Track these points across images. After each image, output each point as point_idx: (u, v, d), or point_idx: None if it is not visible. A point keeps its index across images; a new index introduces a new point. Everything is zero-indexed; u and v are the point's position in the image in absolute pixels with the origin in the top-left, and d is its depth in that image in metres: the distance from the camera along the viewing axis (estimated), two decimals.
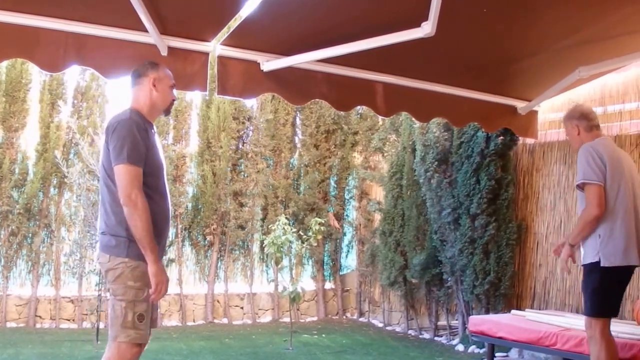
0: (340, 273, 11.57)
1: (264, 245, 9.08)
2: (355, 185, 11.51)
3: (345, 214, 11.62)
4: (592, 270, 4.73)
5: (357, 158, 11.56)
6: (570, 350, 5.84)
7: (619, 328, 5.71)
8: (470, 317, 7.38)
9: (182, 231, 10.48)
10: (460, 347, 8.30)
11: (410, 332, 9.72)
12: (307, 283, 11.08)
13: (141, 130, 3.72)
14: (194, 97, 10.85)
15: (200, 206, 10.52)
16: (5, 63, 9.46)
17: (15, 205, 9.45)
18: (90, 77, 10.13)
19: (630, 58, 5.66)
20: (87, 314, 9.66)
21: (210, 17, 4.49)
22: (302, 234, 9.04)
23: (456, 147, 8.28)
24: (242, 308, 10.80)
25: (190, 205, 10.56)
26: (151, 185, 3.73)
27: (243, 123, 10.91)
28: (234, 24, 4.68)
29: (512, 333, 6.46)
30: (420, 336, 9.40)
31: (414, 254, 9.11)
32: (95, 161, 8.76)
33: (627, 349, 5.33)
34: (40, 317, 9.59)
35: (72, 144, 9.91)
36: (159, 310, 3.95)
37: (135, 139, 3.65)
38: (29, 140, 9.89)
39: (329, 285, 11.49)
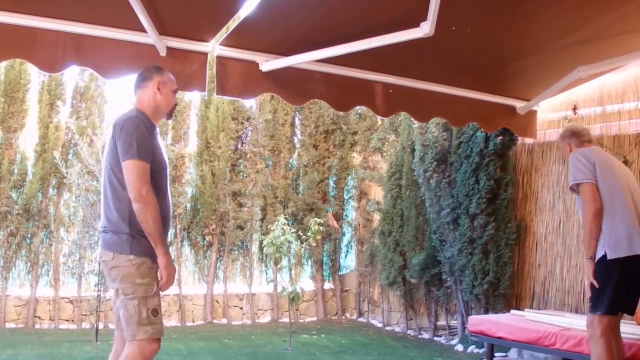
0: (340, 273, 11.57)
1: (263, 246, 9.08)
2: (354, 185, 11.51)
3: (344, 214, 11.62)
4: (600, 265, 4.77)
5: (356, 158, 11.57)
6: (569, 350, 5.85)
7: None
8: (470, 317, 7.39)
9: (181, 231, 10.47)
10: (460, 347, 8.30)
11: (409, 332, 9.72)
12: (306, 283, 11.08)
13: (147, 129, 3.82)
14: (193, 98, 10.86)
15: (199, 206, 10.52)
16: (4, 63, 9.47)
17: (14, 206, 9.44)
18: (89, 77, 10.13)
19: (629, 58, 5.65)
20: (86, 315, 9.66)
21: (209, 18, 4.48)
22: (301, 234, 9.05)
23: (455, 147, 8.28)
24: (241, 308, 10.79)
25: (189, 205, 10.56)
26: (155, 184, 3.76)
27: (242, 123, 10.91)
28: (232, 24, 4.67)
29: (512, 333, 6.47)
30: (420, 336, 9.40)
31: (413, 254, 9.11)
32: (95, 161, 8.77)
33: (627, 349, 5.33)
34: (39, 317, 9.59)
35: (71, 145, 9.91)
36: None
37: (143, 136, 3.74)
38: (27, 141, 9.88)
39: (328, 285, 11.49)
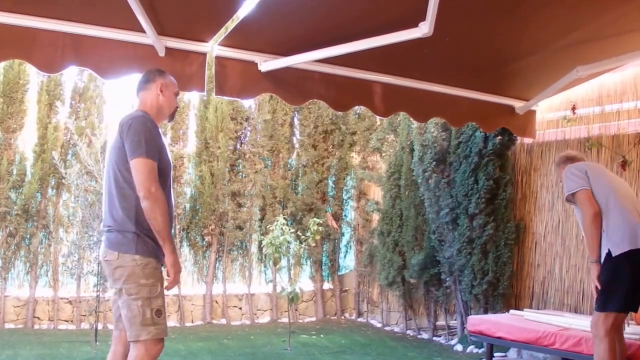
0: (339, 273, 11.57)
1: (262, 246, 9.08)
2: (354, 185, 11.51)
3: (343, 214, 11.61)
4: (605, 263, 4.81)
5: (355, 158, 11.57)
6: (568, 350, 5.85)
7: None
8: (469, 317, 7.39)
9: (180, 232, 10.46)
10: (459, 347, 8.30)
11: (408, 332, 9.72)
12: (305, 283, 11.08)
13: (154, 129, 3.85)
14: (192, 98, 10.86)
15: (198, 207, 10.51)
16: (2, 64, 9.46)
17: (13, 207, 9.44)
18: (88, 77, 10.13)
19: (628, 57, 5.66)
20: (85, 315, 9.66)
21: (207, 18, 4.48)
22: (300, 234, 9.05)
23: (454, 147, 8.28)
24: (240, 308, 10.79)
25: (188, 205, 10.56)
26: (161, 184, 3.78)
27: (241, 123, 10.90)
28: (231, 24, 4.67)
29: (511, 333, 6.47)
30: (419, 336, 9.40)
31: (413, 254, 9.11)
32: (93, 162, 8.77)
33: (626, 348, 5.32)
34: (38, 318, 9.58)
35: (70, 145, 9.91)
36: None
37: (151, 135, 3.77)
38: (26, 141, 9.87)
39: (327, 285, 11.49)
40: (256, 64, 4.98)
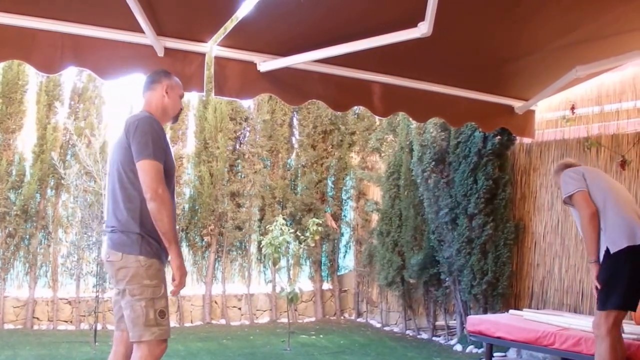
0: (338, 273, 11.57)
1: (261, 246, 9.07)
2: (353, 185, 11.51)
3: (342, 215, 11.62)
4: (604, 261, 4.84)
5: (355, 158, 11.57)
6: (568, 350, 5.85)
7: None
8: (468, 317, 7.38)
9: (179, 232, 10.45)
10: (459, 347, 8.31)
11: (408, 332, 9.72)
12: (304, 284, 11.08)
13: (160, 130, 3.84)
14: (191, 98, 10.86)
15: (197, 207, 10.51)
16: (1, 64, 9.46)
17: (12, 207, 9.43)
18: (87, 78, 10.12)
19: (627, 57, 5.66)
20: (84, 316, 9.65)
21: (206, 18, 4.48)
22: (299, 234, 9.05)
23: (453, 147, 8.28)
24: (239, 309, 10.79)
25: (187, 206, 10.55)
26: (166, 185, 3.77)
27: (240, 124, 10.91)
28: (230, 24, 4.66)
29: (510, 333, 6.47)
30: (418, 336, 9.40)
31: (412, 254, 9.11)
32: (93, 162, 8.76)
33: (626, 348, 5.32)
34: (37, 318, 9.58)
35: (69, 146, 9.91)
36: None
37: (158, 137, 3.77)
38: (26, 142, 9.87)
39: (326, 285, 11.49)
40: (255, 64, 4.97)
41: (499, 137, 8.01)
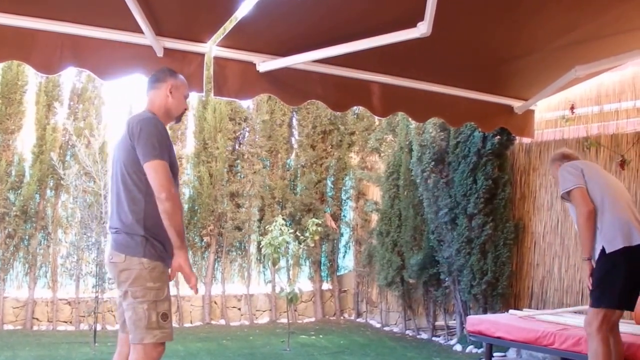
0: (338, 274, 11.58)
1: (261, 246, 9.07)
2: (352, 185, 11.51)
3: (342, 215, 11.62)
4: (600, 259, 4.83)
5: (354, 158, 11.57)
6: (568, 350, 5.84)
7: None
8: (468, 317, 7.38)
9: None
10: (458, 347, 8.30)
11: (407, 332, 9.72)
12: (304, 284, 11.07)
13: (164, 130, 3.80)
14: (190, 98, 10.81)
15: (197, 207, 10.51)
16: (1, 65, 9.46)
17: (11, 208, 9.44)
18: (86, 78, 10.14)
19: (627, 57, 5.65)
20: (84, 316, 9.65)
21: (206, 18, 4.47)
22: (299, 234, 9.05)
23: (453, 147, 8.28)
24: (239, 309, 10.79)
25: (186, 206, 10.55)
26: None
27: (239, 124, 10.91)
28: (229, 25, 4.66)
29: (510, 333, 6.46)
30: (418, 336, 9.40)
31: (411, 254, 9.11)
32: (92, 163, 8.76)
33: (626, 348, 5.32)
34: (37, 319, 9.58)
35: (69, 146, 9.92)
36: None
37: (162, 137, 3.72)
38: (25, 142, 9.88)
39: (326, 286, 11.49)
40: (254, 64, 4.97)
41: (498, 137, 8.01)
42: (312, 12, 4.48)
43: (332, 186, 11.55)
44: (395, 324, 10.23)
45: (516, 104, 6.59)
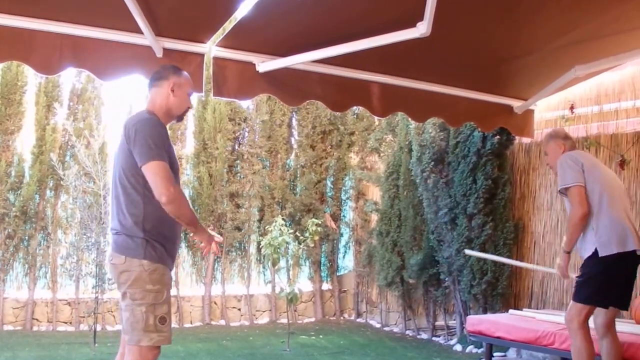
0: (338, 274, 11.57)
1: (261, 247, 9.07)
2: (352, 185, 11.51)
3: (342, 215, 11.62)
4: (592, 261, 4.79)
5: (354, 159, 11.57)
6: (568, 350, 5.79)
7: (618, 327, 5.71)
8: (468, 317, 7.38)
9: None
10: (458, 347, 8.30)
11: (407, 332, 9.72)
12: (304, 284, 11.07)
13: (162, 130, 3.74)
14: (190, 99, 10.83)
15: (196, 208, 10.50)
16: (0, 66, 9.45)
17: (11, 208, 9.43)
18: (86, 79, 10.13)
19: (627, 56, 5.65)
20: (84, 317, 9.64)
21: (205, 19, 4.48)
22: (299, 235, 9.04)
23: (452, 147, 8.28)
24: (239, 309, 10.79)
25: None
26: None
27: (239, 124, 10.91)
28: (229, 25, 4.66)
29: (510, 333, 6.46)
30: (418, 336, 9.39)
31: (411, 254, 9.11)
32: (92, 163, 8.76)
33: (626, 348, 5.32)
34: (37, 319, 9.57)
35: (68, 147, 9.91)
36: None
37: (159, 138, 3.65)
38: (25, 143, 9.87)
39: (326, 286, 11.49)
40: (254, 64, 4.97)
41: (498, 136, 8.00)
42: (311, 12, 4.48)
43: (332, 186, 11.55)
44: (395, 324, 10.23)
45: (516, 103, 6.59)
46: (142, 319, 3.59)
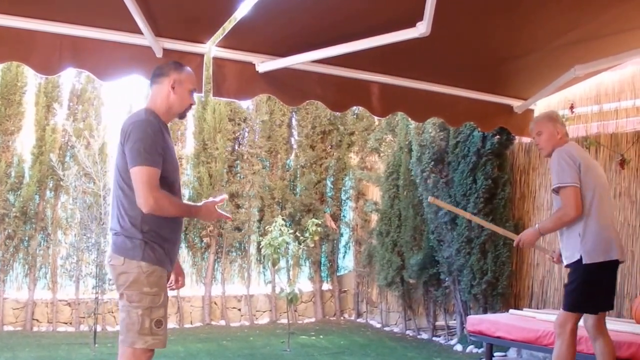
0: (338, 274, 11.57)
1: (261, 247, 9.07)
2: (352, 185, 11.51)
3: (342, 215, 11.61)
4: (576, 268, 4.75)
5: (354, 159, 11.57)
6: None
7: (618, 326, 5.72)
8: (468, 316, 7.38)
9: None
10: (459, 347, 8.30)
11: (408, 332, 9.72)
12: (304, 284, 11.07)
13: (157, 132, 3.63)
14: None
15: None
16: (0, 66, 9.45)
17: (11, 209, 9.43)
18: (86, 79, 10.13)
19: (626, 56, 5.65)
20: (84, 317, 9.64)
21: (205, 19, 4.47)
22: (299, 235, 9.04)
23: (452, 147, 8.28)
24: (239, 310, 10.79)
25: None
26: (168, 188, 3.66)
27: (239, 124, 10.90)
28: (229, 25, 4.66)
29: (510, 332, 6.46)
30: (418, 336, 9.39)
31: (411, 254, 9.11)
32: (92, 164, 8.76)
33: (626, 348, 5.33)
34: (37, 320, 9.57)
35: (68, 147, 9.92)
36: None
37: (151, 141, 3.57)
38: (24, 143, 9.88)
39: (326, 286, 11.49)
40: (254, 64, 4.97)
41: (498, 136, 8.00)
42: (311, 13, 4.48)
43: (332, 186, 11.54)
44: (396, 324, 10.23)
45: (516, 103, 6.58)
46: (137, 321, 3.55)
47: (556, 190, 4.80)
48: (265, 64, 4.96)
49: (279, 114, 11.08)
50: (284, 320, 10.38)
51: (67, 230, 9.92)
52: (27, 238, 9.67)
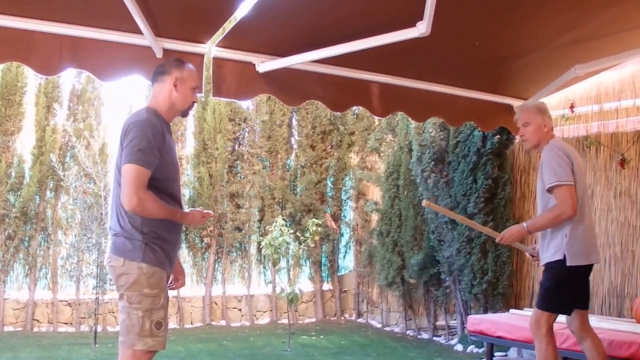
0: (338, 274, 11.57)
1: (261, 247, 9.06)
2: (352, 185, 11.51)
3: (342, 215, 11.61)
4: (556, 267, 4.64)
5: (354, 158, 11.57)
6: (568, 349, 5.82)
7: (619, 326, 5.71)
8: (469, 316, 7.37)
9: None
10: (459, 347, 8.30)
11: (408, 332, 9.72)
12: (304, 284, 11.06)
13: (156, 132, 3.60)
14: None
15: (197, 208, 10.47)
16: (0, 66, 9.46)
17: (11, 209, 9.43)
18: (86, 79, 10.14)
19: (626, 55, 5.64)
20: (84, 318, 9.64)
21: (205, 19, 4.47)
22: (299, 235, 9.04)
23: (452, 147, 8.28)
24: (239, 310, 10.78)
25: (186, 207, 10.50)
26: (166, 189, 3.66)
27: (239, 124, 10.90)
28: (228, 25, 4.66)
29: (511, 332, 6.45)
30: (419, 336, 9.39)
31: (412, 254, 9.11)
32: (92, 164, 8.76)
33: (626, 347, 5.32)
34: (37, 320, 9.57)
35: (68, 147, 9.92)
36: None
37: (147, 141, 3.54)
38: (25, 144, 9.88)
39: (326, 286, 11.48)
40: (254, 64, 4.97)
41: (498, 136, 8.00)
42: (311, 13, 4.48)
43: (332, 186, 11.54)
44: (396, 324, 10.23)
45: (516, 103, 6.58)
46: (138, 323, 3.53)
47: (549, 189, 4.63)
48: (265, 64, 4.96)
49: (279, 114, 11.08)
50: (285, 321, 10.38)
51: (68, 230, 9.93)
52: (27, 238, 9.67)
